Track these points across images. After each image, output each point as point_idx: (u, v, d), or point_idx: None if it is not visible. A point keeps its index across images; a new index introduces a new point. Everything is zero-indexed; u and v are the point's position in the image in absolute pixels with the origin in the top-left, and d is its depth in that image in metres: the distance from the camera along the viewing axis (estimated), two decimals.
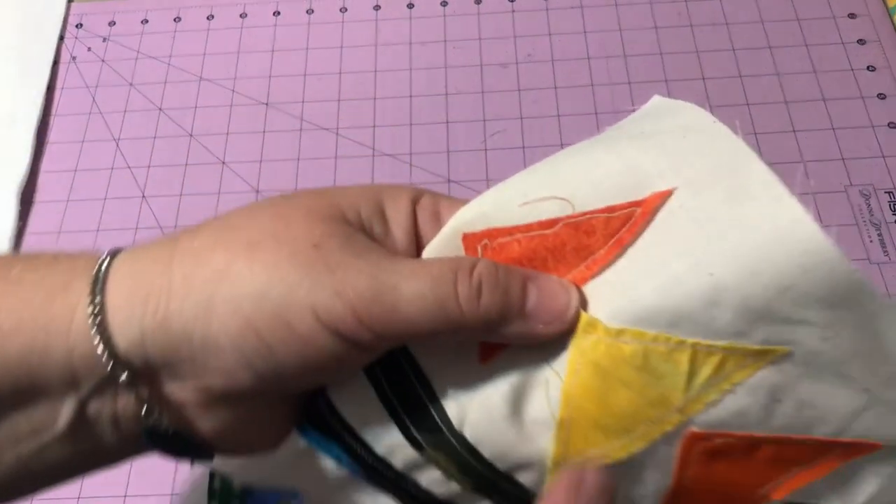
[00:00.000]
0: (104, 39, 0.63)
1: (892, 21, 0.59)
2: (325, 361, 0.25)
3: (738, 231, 0.24)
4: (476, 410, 0.26)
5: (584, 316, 0.25)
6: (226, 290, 0.24)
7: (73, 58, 0.62)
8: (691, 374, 0.24)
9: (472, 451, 0.26)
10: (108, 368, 0.24)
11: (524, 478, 0.26)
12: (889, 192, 0.54)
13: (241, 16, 0.63)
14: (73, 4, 0.65)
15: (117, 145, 0.58)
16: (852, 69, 0.58)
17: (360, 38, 0.62)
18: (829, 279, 0.23)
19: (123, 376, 0.24)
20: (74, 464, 0.26)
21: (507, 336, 0.26)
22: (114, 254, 0.26)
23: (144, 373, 0.25)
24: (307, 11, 0.63)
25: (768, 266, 0.23)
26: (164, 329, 0.24)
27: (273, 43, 0.62)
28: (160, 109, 0.59)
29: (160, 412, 0.26)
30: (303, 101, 0.59)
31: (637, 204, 0.26)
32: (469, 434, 0.26)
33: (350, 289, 0.24)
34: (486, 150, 0.56)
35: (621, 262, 0.26)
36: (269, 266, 0.24)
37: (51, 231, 0.54)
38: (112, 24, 0.64)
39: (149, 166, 0.57)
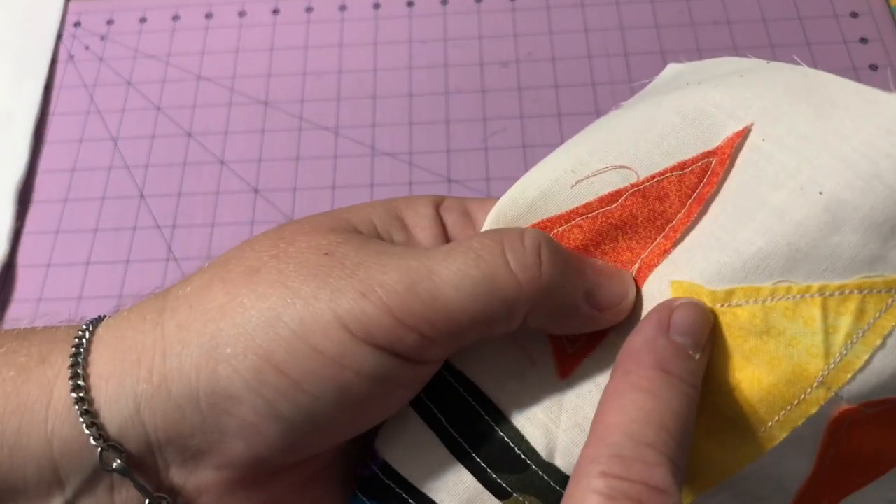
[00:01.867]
0: (102, 38, 0.63)
1: (894, 20, 0.59)
2: (366, 387, 0.20)
3: (839, 140, 0.19)
4: (567, 431, 0.22)
5: (680, 284, 0.21)
6: (229, 327, 0.20)
7: (71, 56, 0.62)
8: (828, 330, 0.19)
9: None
10: (98, 455, 0.19)
11: None
12: None
13: (239, 14, 0.63)
14: (70, 3, 0.64)
15: (115, 144, 0.57)
16: (854, 68, 0.57)
17: (359, 37, 0.61)
18: None
19: (116, 463, 0.20)
20: None
21: (567, 320, 0.21)
22: (98, 320, 0.22)
23: (145, 457, 0.20)
24: (306, 10, 0.63)
25: (887, 164, 0.19)
26: (164, 393, 0.20)
27: (272, 41, 0.61)
28: (158, 108, 0.59)
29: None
30: (302, 100, 0.58)
31: (711, 153, 0.22)
32: (563, 463, 0.22)
33: (378, 286, 0.20)
34: (486, 149, 0.55)
35: (708, 219, 0.21)
36: (277, 284, 0.20)
37: (49, 231, 0.54)
38: (110, 22, 0.63)
39: (147, 165, 0.56)
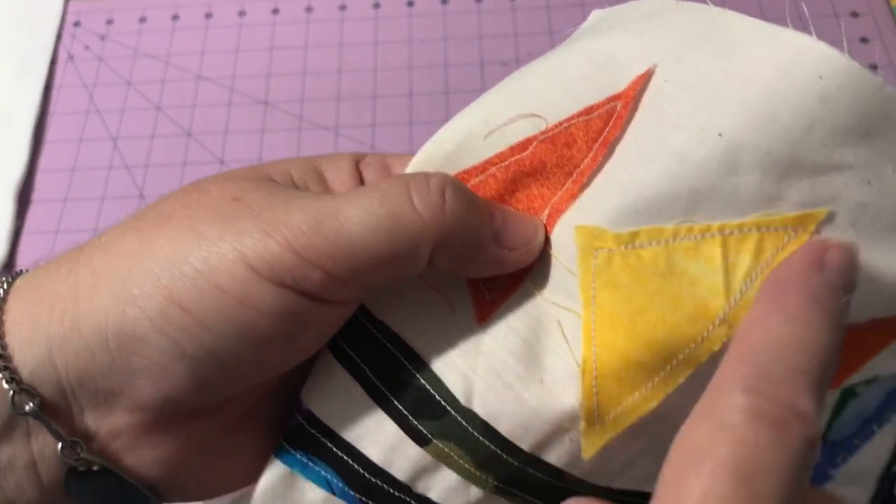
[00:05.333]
0: (102, 38, 0.63)
1: (894, 20, 0.59)
2: (271, 326, 0.20)
3: (738, 81, 0.20)
4: (484, 377, 0.22)
5: (584, 229, 0.21)
6: (139, 270, 0.20)
7: (71, 56, 0.62)
8: (728, 268, 0.20)
9: (487, 430, 0.22)
10: (10, 398, 0.20)
11: (554, 456, 0.22)
12: None
13: (239, 14, 0.63)
14: (70, 3, 0.64)
15: (115, 144, 0.57)
16: None
17: (359, 36, 0.61)
18: (856, 101, 0.19)
19: (28, 406, 0.20)
20: None
21: (475, 260, 0.22)
22: (17, 274, 0.22)
23: (59, 401, 0.20)
24: (306, 9, 0.63)
25: (784, 105, 0.19)
26: (75, 335, 0.20)
27: (272, 41, 0.61)
28: (158, 108, 0.59)
29: (84, 447, 0.21)
30: (302, 100, 0.58)
31: (617, 97, 0.22)
32: (481, 409, 0.22)
33: (282, 225, 0.20)
34: None
35: (612, 163, 0.22)
36: (186, 229, 0.20)
37: (48, 231, 0.54)
38: (110, 22, 0.63)
39: (146, 165, 0.56)
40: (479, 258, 0.22)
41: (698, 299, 0.20)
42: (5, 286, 0.22)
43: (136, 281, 0.20)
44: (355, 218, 0.20)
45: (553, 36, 0.60)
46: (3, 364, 0.20)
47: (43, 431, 0.20)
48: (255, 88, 0.59)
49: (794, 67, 0.20)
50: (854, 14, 0.59)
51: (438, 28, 0.61)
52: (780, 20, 0.65)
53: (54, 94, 0.60)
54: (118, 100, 0.59)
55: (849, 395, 0.24)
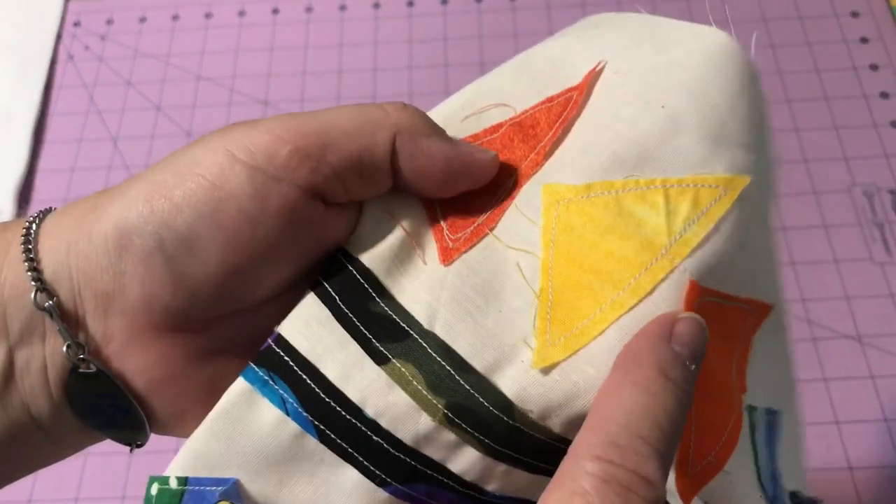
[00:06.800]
0: (102, 38, 0.63)
1: (894, 20, 0.59)
2: (239, 209, 0.22)
3: (675, 68, 0.25)
4: (447, 305, 0.24)
5: (550, 186, 0.25)
6: (143, 180, 0.23)
7: (71, 56, 0.62)
8: (670, 213, 0.23)
9: (444, 349, 0.24)
10: (34, 294, 0.22)
11: (505, 379, 0.23)
12: (892, 192, 0.53)
13: (239, 14, 0.63)
14: (70, 3, 0.64)
15: (115, 144, 0.57)
16: (855, 68, 0.57)
17: (359, 37, 0.61)
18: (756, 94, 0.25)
19: (48, 303, 0.22)
20: (3, 447, 0.23)
21: (438, 160, 0.25)
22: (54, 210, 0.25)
23: (69, 302, 0.23)
24: (306, 9, 0.63)
25: (713, 83, 0.24)
26: (85, 238, 0.23)
27: (272, 41, 0.61)
28: (158, 108, 0.59)
29: (85, 349, 0.23)
30: (302, 100, 0.58)
31: (573, 88, 0.26)
32: (442, 332, 0.24)
33: (266, 124, 0.24)
34: None
35: (571, 136, 0.26)
36: (188, 147, 0.24)
37: None
38: (110, 22, 0.63)
39: (147, 165, 0.56)
40: (441, 156, 0.25)
41: (644, 236, 0.23)
42: (47, 210, 0.25)
43: (140, 188, 0.23)
44: (331, 113, 0.24)
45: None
46: (32, 265, 0.23)
47: (54, 335, 0.23)
48: (255, 88, 0.59)
49: (720, 57, 0.25)
50: (854, 14, 0.59)
51: (438, 28, 0.61)
52: (780, 19, 0.65)
53: (54, 94, 0.60)
54: (118, 100, 0.59)
55: (752, 410, 0.26)
